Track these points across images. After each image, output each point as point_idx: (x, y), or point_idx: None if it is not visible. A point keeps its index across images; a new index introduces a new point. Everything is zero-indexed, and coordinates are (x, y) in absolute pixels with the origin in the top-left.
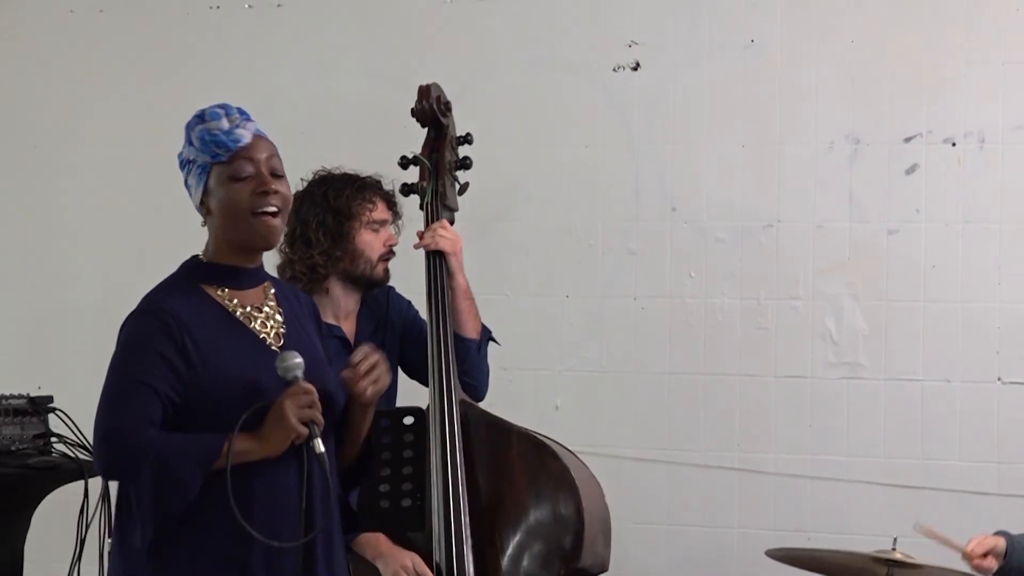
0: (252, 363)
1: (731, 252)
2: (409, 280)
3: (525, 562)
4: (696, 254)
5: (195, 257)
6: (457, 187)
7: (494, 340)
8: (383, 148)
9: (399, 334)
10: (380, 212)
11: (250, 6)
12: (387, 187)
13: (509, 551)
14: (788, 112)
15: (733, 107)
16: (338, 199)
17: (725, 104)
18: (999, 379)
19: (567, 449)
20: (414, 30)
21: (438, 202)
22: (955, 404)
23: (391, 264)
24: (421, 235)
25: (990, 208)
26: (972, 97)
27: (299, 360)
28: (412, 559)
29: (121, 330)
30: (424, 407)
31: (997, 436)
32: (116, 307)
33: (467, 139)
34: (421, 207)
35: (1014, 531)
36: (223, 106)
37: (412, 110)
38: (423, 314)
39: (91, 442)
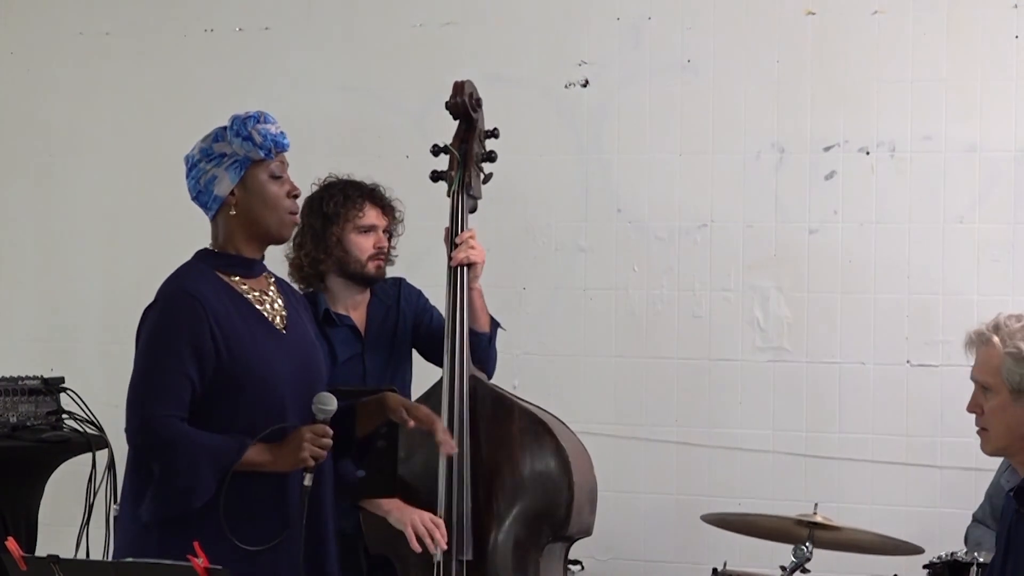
0: (266, 348)
1: (670, 249)
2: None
3: (516, 527)
4: (639, 251)
5: (206, 248)
6: (482, 177)
7: (501, 327)
8: (360, 156)
9: (410, 323)
10: (369, 218)
11: (240, 29)
12: (387, 194)
13: (502, 516)
14: (720, 124)
15: (671, 119)
16: (327, 205)
17: (664, 117)
18: (908, 362)
19: (564, 425)
20: (387, 51)
21: (463, 191)
22: (869, 384)
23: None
24: (448, 233)
25: (900, 210)
26: (884, 111)
27: (333, 407)
28: (428, 514)
29: (147, 316)
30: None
31: (906, 412)
32: (119, 298)
33: (494, 133)
34: (448, 194)
35: (920, 497)
36: (265, 114)
37: (446, 103)
38: (434, 303)
39: (98, 419)
